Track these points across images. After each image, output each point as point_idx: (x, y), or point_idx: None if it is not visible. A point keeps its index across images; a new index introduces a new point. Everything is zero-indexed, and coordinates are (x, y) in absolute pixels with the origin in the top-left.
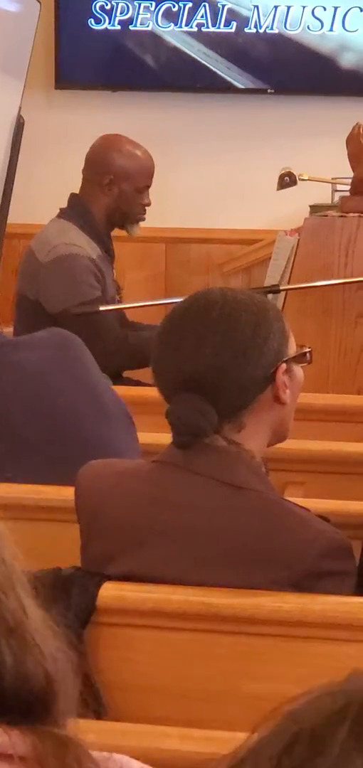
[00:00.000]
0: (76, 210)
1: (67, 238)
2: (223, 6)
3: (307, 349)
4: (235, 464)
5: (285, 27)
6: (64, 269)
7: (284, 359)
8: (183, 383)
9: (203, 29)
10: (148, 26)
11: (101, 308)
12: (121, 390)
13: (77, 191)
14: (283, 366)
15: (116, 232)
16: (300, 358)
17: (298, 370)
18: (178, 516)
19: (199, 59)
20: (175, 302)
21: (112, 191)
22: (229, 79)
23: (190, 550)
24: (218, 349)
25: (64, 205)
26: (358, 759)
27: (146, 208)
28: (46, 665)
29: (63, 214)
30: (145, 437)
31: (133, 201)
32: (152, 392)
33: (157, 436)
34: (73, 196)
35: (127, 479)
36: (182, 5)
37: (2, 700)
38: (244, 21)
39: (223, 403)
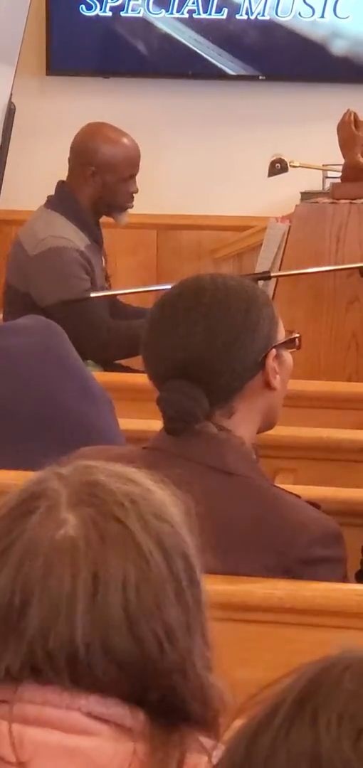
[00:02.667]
0: (63, 199)
1: (55, 231)
2: None
3: (296, 335)
4: (225, 450)
5: (276, 14)
6: (53, 263)
7: (274, 345)
8: (174, 369)
9: (194, 16)
10: (139, 12)
11: (93, 294)
12: (110, 376)
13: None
14: (273, 352)
15: (107, 219)
16: (289, 343)
17: (288, 355)
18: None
19: (190, 46)
20: (166, 288)
21: (96, 182)
22: (220, 65)
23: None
24: (209, 335)
25: None
26: (294, 732)
27: (134, 195)
28: (192, 704)
29: (50, 203)
30: (135, 424)
31: (118, 191)
32: (142, 378)
33: (147, 422)
34: (60, 184)
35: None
36: None
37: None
38: (235, 7)
39: (213, 389)
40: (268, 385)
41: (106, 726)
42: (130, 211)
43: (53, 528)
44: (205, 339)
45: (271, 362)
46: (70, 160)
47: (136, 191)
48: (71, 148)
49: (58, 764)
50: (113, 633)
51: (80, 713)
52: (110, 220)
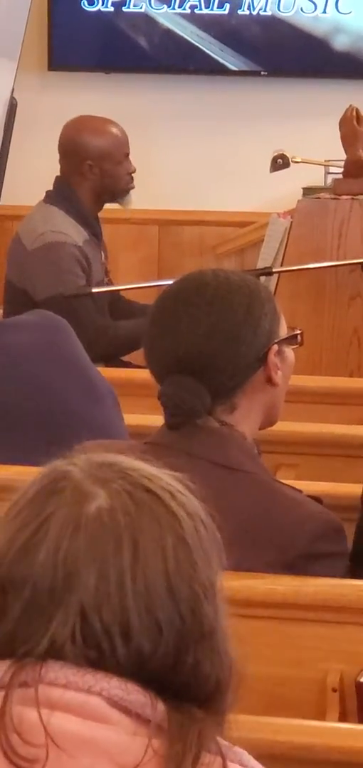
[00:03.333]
0: (61, 194)
1: (54, 225)
2: None
3: (298, 331)
4: (227, 445)
5: (278, 9)
6: (50, 258)
7: (276, 340)
8: (175, 364)
9: (196, 11)
10: (141, 8)
11: (94, 290)
12: (111, 372)
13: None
14: (275, 347)
15: (109, 214)
16: (291, 339)
17: (290, 351)
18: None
19: (192, 41)
20: (168, 284)
21: (95, 174)
22: (222, 61)
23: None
24: (211, 330)
25: None
26: None
27: (135, 188)
28: (220, 673)
29: (49, 198)
30: (136, 419)
31: (118, 175)
32: (143, 374)
33: (148, 417)
34: (58, 179)
35: None
36: None
37: (169, 684)
38: (237, 3)
39: (215, 384)
40: (269, 381)
41: (126, 717)
42: (131, 206)
43: (87, 502)
44: (206, 334)
45: (272, 358)
46: (61, 161)
47: (134, 170)
48: (60, 149)
49: (72, 753)
50: (156, 597)
51: (101, 698)
52: (111, 216)
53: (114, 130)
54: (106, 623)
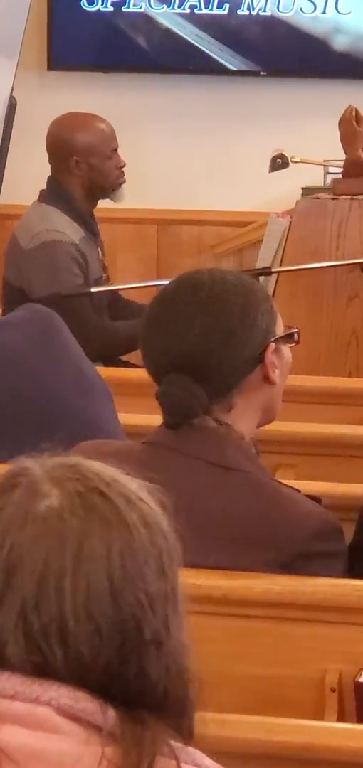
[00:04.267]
0: (55, 192)
1: (50, 224)
2: None
3: (295, 330)
4: (224, 445)
5: (278, 9)
6: (47, 256)
7: (273, 339)
8: (172, 364)
9: (196, 11)
10: (140, 8)
11: (93, 289)
12: (109, 371)
13: None
14: (272, 346)
15: (107, 214)
16: (288, 338)
17: (287, 350)
18: (168, 498)
19: (191, 41)
20: (165, 283)
21: (82, 170)
22: (221, 61)
23: (179, 532)
24: (207, 330)
25: None
26: None
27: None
28: (168, 682)
29: (43, 197)
30: (134, 419)
31: (106, 170)
32: (142, 373)
33: (146, 417)
34: (50, 178)
35: (118, 460)
36: None
37: (117, 691)
38: (236, 3)
39: (212, 383)
40: (267, 380)
41: (76, 726)
42: (129, 205)
43: (37, 500)
44: (202, 333)
45: (269, 356)
46: (50, 161)
47: (124, 165)
48: (47, 149)
49: (23, 767)
50: (98, 603)
51: (50, 707)
52: (109, 215)
53: (100, 125)
54: (43, 625)
